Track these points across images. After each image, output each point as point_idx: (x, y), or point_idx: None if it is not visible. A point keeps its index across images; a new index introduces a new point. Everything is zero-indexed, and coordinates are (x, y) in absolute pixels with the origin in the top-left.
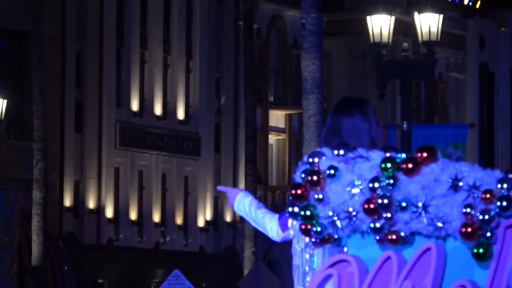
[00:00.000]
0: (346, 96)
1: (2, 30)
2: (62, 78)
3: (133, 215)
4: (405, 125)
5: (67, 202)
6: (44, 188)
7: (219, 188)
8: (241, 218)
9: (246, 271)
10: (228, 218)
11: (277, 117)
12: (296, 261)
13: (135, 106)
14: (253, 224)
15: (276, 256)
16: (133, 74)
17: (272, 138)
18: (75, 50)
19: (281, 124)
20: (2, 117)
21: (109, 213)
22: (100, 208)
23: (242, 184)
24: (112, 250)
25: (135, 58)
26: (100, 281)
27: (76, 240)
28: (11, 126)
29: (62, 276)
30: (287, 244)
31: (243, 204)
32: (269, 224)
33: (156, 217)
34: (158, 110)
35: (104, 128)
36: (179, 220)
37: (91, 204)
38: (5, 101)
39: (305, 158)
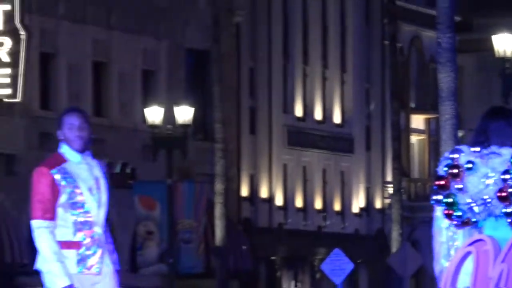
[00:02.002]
0: (495, 105)
1: (189, 50)
2: (238, 89)
3: (298, 203)
4: None
5: (244, 192)
6: (225, 181)
7: None
8: (389, 205)
9: (393, 250)
10: (378, 205)
11: (417, 121)
12: (442, 238)
13: (299, 112)
14: None
15: (418, 237)
16: (297, 86)
17: (414, 139)
18: (248, 66)
19: (421, 127)
20: (191, 123)
21: (279, 201)
22: (271, 197)
23: (389, 177)
24: (282, 232)
25: (299, 72)
26: (272, 258)
27: (252, 224)
28: (197, 130)
29: (241, 254)
30: (428, 226)
31: None
32: None
33: (318, 205)
34: (318, 115)
35: (273, 131)
36: (337, 207)
37: (264, 193)
38: (193, 109)
39: (446, 154)
